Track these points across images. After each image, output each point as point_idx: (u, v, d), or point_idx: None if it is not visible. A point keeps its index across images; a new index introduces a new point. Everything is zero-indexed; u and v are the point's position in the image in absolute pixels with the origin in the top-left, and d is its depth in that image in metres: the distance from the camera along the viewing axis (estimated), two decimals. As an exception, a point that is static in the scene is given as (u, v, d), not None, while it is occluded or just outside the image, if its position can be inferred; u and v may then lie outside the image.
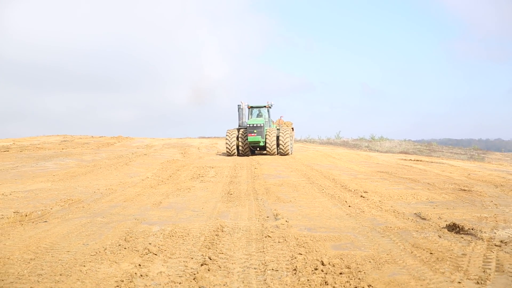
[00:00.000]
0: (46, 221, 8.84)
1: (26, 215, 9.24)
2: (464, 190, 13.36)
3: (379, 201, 11.30)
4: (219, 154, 28.90)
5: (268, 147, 28.41)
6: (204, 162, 23.52)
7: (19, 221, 8.82)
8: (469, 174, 18.38)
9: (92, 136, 49.36)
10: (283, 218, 9.10)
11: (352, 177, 17.12)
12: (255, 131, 28.14)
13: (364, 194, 12.34)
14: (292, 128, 33.21)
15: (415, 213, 9.64)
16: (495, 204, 10.90)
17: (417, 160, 27.59)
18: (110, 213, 9.72)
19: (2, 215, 9.23)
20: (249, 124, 28.53)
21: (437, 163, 25.58)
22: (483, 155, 49.44)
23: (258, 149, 29.71)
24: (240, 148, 29.32)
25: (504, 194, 12.51)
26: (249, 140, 28.43)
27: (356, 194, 12.53)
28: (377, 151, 46.36)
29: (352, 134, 68.81)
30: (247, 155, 29.11)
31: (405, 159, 28.44)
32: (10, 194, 12.06)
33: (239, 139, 29.23)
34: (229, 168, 20.38)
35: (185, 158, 26.86)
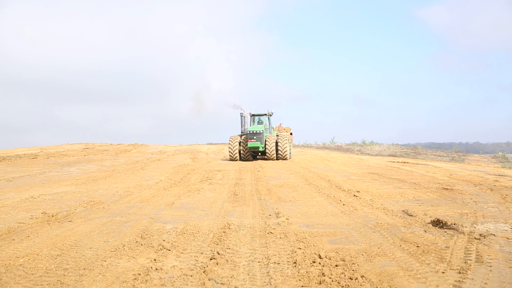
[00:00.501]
0: (70, 221, 8.86)
1: (52, 216, 9.27)
2: (446, 189, 13.36)
3: (370, 199, 11.30)
4: (225, 159, 28.85)
5: (268, 152, 28.06)
6: (212, 166, 23.51)
7: (47, 221, 8.85)
8: (451, 174, 18.37)
9: (111, 144, 49.43)
10: (283, 216, 9.11)
11: (346, 178, 17.12)
12: (254, 137, 27.89)
13: (356, 194, 12.35)
14: (291, 133, 33.08)
15: (403, 210, 9.64)
16: (474, 201, 10.90)
17: (404, 162, 27.58)
18: (128, 213, 9.74)
19: (32, 215, 9.26)
20: (250, 131, 28.29)
21: (422, 164, 25.56)
22: (463, 157, 49.44)
23: (259, 154, 29.21)
24: (242, 153, 28.94)
25: (482, 192, 12.50)
26: (249, 145, 28.14)
27: (349, 193, 12.54)
28: (368, 154, 46.32)
29: (345, 139, 68.64)
30: (249, 160, 28.79)
31: (393, 162, 28.41)
32: (39, 197, 12.09)
33: (241, 145, 28.84)
34: (235, 171, 20.39)
35: (194, 162, 26.85)
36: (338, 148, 56.39)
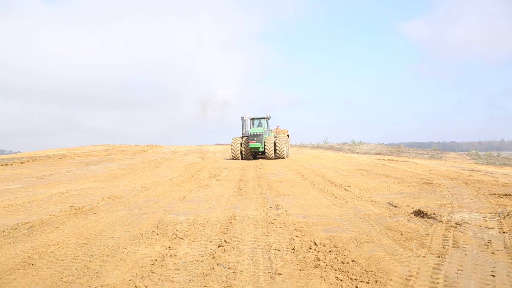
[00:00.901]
0: (95, 213, 8.88)
1: (79, 209, 9.29)
2: (426, 183, 13.36)
3: (359, 193, 11.31)
4: (230, 158, 28.80)
5: (266, 152, 27.75)
6: (219, 164, 23.51)
7: (74, 213, 8.87)
8: (430, 170, 18.36)
9: (129, 145, 49.46)
10: (283, 208, 9.12)
11: (337, 174, 17.11)
12: (255, 138, 27.73)
13: (347, 188, 12.35)
14: (288, 135, 32.78)
15: (388, 202, 9.64)
16: (451, 193, 10.90)
17: (389, 160, 27.56)
18: (145, 206, 9.76)
19: (61, 209, 9.29)
20: (250, 133, 28.11)
21: (405, 161, 25.55)
22: (441, 155, 49.33)
23: (260, 153, 28.66)
24: (243, 153, 28.66)
25: (458, 186, 12.50)
26: (250, 146, 27.91)
27: (341, 187, 12.54)
28: (357, 153, 46.26)
29: (336, 139, 68.49)
30: (250, 159, 28.51)
31: (379, 159, 28.40)
32: (66, 192, 12.11)
33: (243, 146, 28.59)
34: (239, 169, 20.40)
35: (203, 161, 26.85)
36: (331, 148, 56.30)
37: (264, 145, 27.90)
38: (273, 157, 27.87)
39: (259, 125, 29.98)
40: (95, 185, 14.21)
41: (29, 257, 5.76)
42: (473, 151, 60.02)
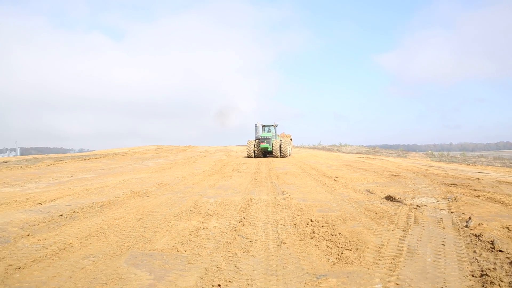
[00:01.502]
0: (148, 196, 8.92)
1: (136, 193, 9.34)
2: (395, 175, 13.25)
3: (345, 182, 11.24)
4: (246, 156, 28.74)
5: (274, 152, 27.63)
6: (240, 161, 23.53)
7: (133, 196, 8.92)
8: (398, 166, 18.21)
9: (173, 146, 49.68)
10: (287, 193, 9.09)
11: (328, 168, 17.04)
12: (265, 141, 27.74)
13: (335, 178, 12.28)
14: (291, 139, 31.95)
15: (366, 189, 9.57)
16: (413, 183, 10.79)
17: (367, 157, 27.43)
18: (185, 191, 9.78)
19: (123, 192, 9.35)
20: (262, 137, 28.15)
21: (379, 159, 25.38)
22: (406, 154, 48.92)
23: (270, 153, 28.35)
24: (255, 152, 28.25)
25: (418, 177, 12.38)
26: (261, 147, 27.79)
27: (331, 178, 12.48)
28: (343, 152, 46.00)
29: (328, 142, 68.53)
30: (260, 157, 27.99)
31: (360, 157, 28.26)
32: (127, 180, 12.19)
33: (255, 146, 28.23)
34: (255, 164, 20.39)
35: (228, 158, 26.86)
36: (323, 148, 56.06)
37: (272, 146, 27.74)
38: (279, 155, 27.56)
39: (269, 131, 29.73)
40: (148, 175, 14.29)
41: (100, 227, 5.81)
42: (430, 151, 59.74)
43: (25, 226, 5.89)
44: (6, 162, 20.90)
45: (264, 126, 30.21)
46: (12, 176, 13.71)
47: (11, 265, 4.12)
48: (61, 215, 6.63)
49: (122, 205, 7.75)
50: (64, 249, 4.72)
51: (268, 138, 28.08)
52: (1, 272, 3.90)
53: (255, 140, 28.76)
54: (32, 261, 4.26)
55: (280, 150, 27.74)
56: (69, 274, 3.87)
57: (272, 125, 29.99)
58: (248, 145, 28.87)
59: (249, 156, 28.33)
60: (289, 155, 28.58)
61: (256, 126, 29.61)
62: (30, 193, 9.55)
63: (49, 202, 8.13)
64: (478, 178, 11.79)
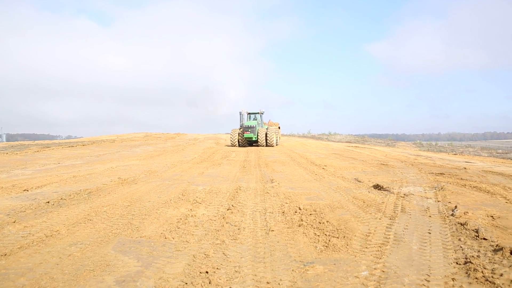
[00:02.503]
0: (136, 183, 8.89)
1: (124, 180, 9.30)
2: (383, 164, 13.36)
3: (333, 171, 11.31)
4: (230, 145, 28.58)
5: (259, 142, 26.18)
6: (229, 149, 23.52)
7: (121, 183, 8.88)
8: (386, 155, 18.37)
9: (162, 133, 49.43)
10: (276, 181, 9.13)
11: (317, 157, 17.11)
12: (249, 130, 26.38)
13: (324, 167, 12.35)
14: (279, 127, 31.34)
15: (354, 178, 9.65)
16: (401, 172, 10.90)
17: (356, 146, 27.58)
18: (173, 178, 9.76)
19: (111, 180, 9.30)
20: (246, 125, 26.76)
21: (367, 148, 25.56)
22: (394, 143, 49.32)
23: (255, 142, 26.73)
24: (239, 141, 26.91)
25: (406, 167, 12.50)
26: (245, 136, 26.42)
27: (319, 167, 12.54)
28: (332, 141, 46.22)
29: (317, 131, 68.67)
30: (245, 147, 26.57)
31: (349, 146, 28.40)
32: (115, 167, 12.13)
33: (239, 135, 26.88)
34: (244, 152, 20.41)
35: (217, 146, 26.83)
36: (313, 137, 56.24)
37: (257, 135, 26.41)
38: (264, 145, 26.31)
39: (254, 119, 28.34)
40: (136, 162, 14.22)
41: (88, 214, 5.79)
42: (418, 141, 60.29)
43: (11, 213, 5.84)
44: (-9, 148, 20.62)
45: (249, 113, 28.97)
46: (-3, 163, 13.54)
47: (-3, 251, 4.10)
48: (48, 202, 6.59)
49: (110, 192, 7.72)
50: (51, 236, 4.70)
51: (253, 127, 26.72)
52: (-14, 259, 3.88)
53: (239, 129, 27.50)
54: (18, 247, 4.24)
55: (266, 140, 26.53)
56: (56, 260, 3.86)
57: (258, 113, 28.71)
58: (231, 134, 27.66)
59: (233, 145, 27.06)
60: (276, 145, 27.38)
61: (240, 114, 28.19)
62: (16, 179, 9.46)
63: (35, 188, 8.07)
64: (465, 168, 11.95)
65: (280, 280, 3.43)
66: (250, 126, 26.70)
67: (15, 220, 5.40)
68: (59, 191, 7.75)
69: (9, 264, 3.75)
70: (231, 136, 27.49)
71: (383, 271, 3.58)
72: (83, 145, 24.00)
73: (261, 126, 28.27)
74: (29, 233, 4.79)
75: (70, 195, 7.22)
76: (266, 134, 26.47)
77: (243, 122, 27.93)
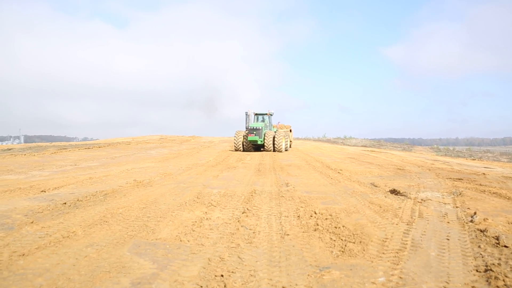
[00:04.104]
0: (151, 186, 8.96)
1: (140, 182, 9.38)
2: (400, 169, 13.22)
3: (349, 175, 11.23)
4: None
5: (266, 146, 23.40)
6: (244, 152, 23.53)
7: (136, 185, 8.96)
8: (403, 159, 18.18)
9: (177, 136, 49.77)
10: (291, 185, 9.10)
11: (333, 160, 17.03)
12: (254, 132, 23.67)
13: (340, 171, 12.28)
14: (290, 130, 29.28)
15: (370, 183, 9.57)
16: (418, 177, 10.77)
17: (372, 151, 27.36)
18: (188, 181, 9.81)
19: (127, 182, 9.39)
20: (251, 127, 23.96)
21: (383, 152, 25.34)
22: (411, 148, 48.81)
23: (262, 147, 24.01)
24: (244, 145, 24.26)
25: (423, 171, 12.35)
26: (249, 139, 23.73)
27: (335, 171, 12.47)
28: (348, 145, 45.92)
29: (332, 134, 68.37)
30: (250, 151, 24.24)
31: (364, 150, 28.19)
32: (131, 170, 12.24)
33: (244, 138, 24.26)
34: (259, 156, 20.40)
35: (232, 149, 26.90)
36: (328, 141, 55.99)
37: (264, 139, 23.74)
38: (272, 150, 23.57)
39: (262, 120, 25.77)
40: (151, 164, 14.33)
41: (104, 216, 5.84)
42: (435, 145, 59.65)
43: (29, 214, 5.93)
44: (10, 150, 21.02)
45: (256, 114, 26.35)
46: (16, 164, 13.79)
47: (15, 251, 4.16)
48: (65, 203, 6.68)
49: (125, 194, 7.79)
50: (68, 237, 4.75)
51: (259, 129, 23.90)
52: (5, 259, 3.94)
53: (245, 131, 24.72)
54: (36, 248, 4.29)
55: (274, 144, 23.73)
56: (72, 261, 3.90)
57: (266, 114, 26.07)
58: (235, 136, 24.74)
59: (236, 149, 24.41)
60: (285, 150, 24.72)
61: (247, 115, 25.35)
62: (33, 180, 9.61)
63: (52, 190, 8.18)
64: (484, 173, 11.75)
65: (296, 284, 3.40)
66: (256, 128, 24.04)
67: (33, 221, 5.48)
68: (76, 192, 7.84)
69: (27, 264, 3.80)
70: (235, 139, 24.82)
71: (401, 278, 3.53)
72: (99, 147, 24.30)
73: (270, 129, 25.77)
74: (46, 234, 4.85)
75: (86, 197, 7.30)
76: (274, 137, 23.87)
77: (249, 123, 25.28)
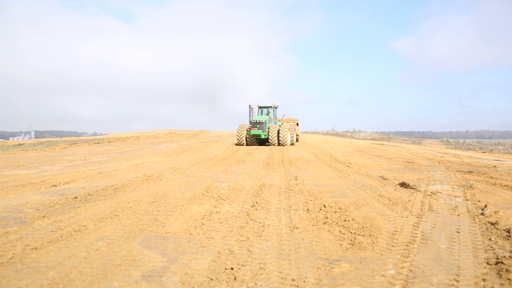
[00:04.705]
0: (161, 180, 9.01)
1: (149, 176, 9.44)
2: (409, 162, 13.15)
3: (358, 168, 11.20)
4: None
5: (270, 140, 22.62)
6: (253, 146, 23.52)
7: (146, 179, 9.01)
8: (412, 152, 18.07)
9: (186, 130, 49.90)
10: (300, 179, 9.10)
11: (342, 154, 16.98)
12: (257, 126, 22.74)
13: (349, 164, 12.24)
14: (297, 123, 28.65)
15: (380, 176, 9.53)
16: (428, 170, 10.71)
17: (381, 144, 27.24)
18: (197, 175, 9.84)
19: (137, 176, 9.45)
20: (254, 120, 23.04)
21: (393, 146, 25.21)
22: (420, 141, 48.49)
23: (266, 141, 23.16)
24: (247, 139, 23.53)
25: (433, 164, 12.27)
26: (252, 133, 22.91)
27: (344, 164, 12.44)
28: (357, 138, 45.74)
29: (341, 128, 68.04)
30: (254, 145, 23.48)
31: (373, 144, 28.06)
32: (140, 164, 12.32)
33: (247, 132, 23.45)
34: (268, 150, 20.39)
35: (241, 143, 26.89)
36: (337, 134, 55.80)
37: (268, 133, 22.90)
38: (276, 144, 22.72)
39: (267, 114, 24.80)
40: (161, 159, 14.40)
41: (114, 210, 5.89)
42: (445, 138, 59.22)
43: (41, 208, 6.00)
44: (21, 145, 21.24)
45: (260, 107, 25.29)
46: (27, 159, 13.94)
47: (28, 245, 4.22)
48: (76, 198, 6.75)
49: (135, 188, 7.84)
50: (79, 230, 4.81)
51: (262, 122, 22.95)
52: (18, 252, 3.99)
53: (249, 125, 23.84)
54: (48, 241, 4.35)
55: (278, 138, 22.89)
56: (84, 255, 3.95)
57: (270, 107, 25.02)
58: (238, 130, 23.97)
59: (239, 144, 23.71)
60: (291, 144, 23.84)
61: (250, 108, 24.36)
62: (45, 175, 9.72)
63: (63, 184, 8.27)
64: (494, 166, 11.65)
65: (306, 277, 3.41)
66: (259, 122, 23.08)
67: (45, 215, 5.54)
68: (86, 187, 7.92)
69: (40, 258, 3.85)
70: (238, 133, 23.95)
71: (411, 270, 3.53)
72: (109, 142, 24.46)
73: (274, 123, 24.80)
74: (58, 228, 4.91)
75: (96, 191, 7.36)
76: (278, 131, 23.04)
77: (253, 116, 24.26)
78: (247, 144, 23.67)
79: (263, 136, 23.08)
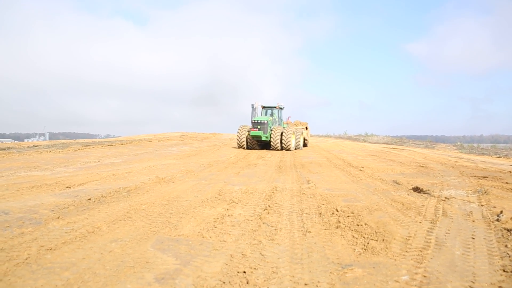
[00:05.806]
0: (173, 182, 9.04)
1: (162, 178, 9.48)
2: (422, 166, 13.03)
3: (371, 173, 11.12)
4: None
5: (272, 143, 20.73)
6: (261, 150, 23.49)
7: (158, 182, 9.05)
8: (425, 157, 17.90)
9: (198, 133, 50.04)
10: (312, 182, 9.07)
11: (354, 158, 16.89)
12: (258, 126, 20.77)
13: (361, 169, 12.17)
14: (306, 127, 27.10)
15: (393, 180, 9.46)
16: (441, 175, 10.60)
17: (394, 148, 27.02)
18: (210, 178, 9.87)
19: (149, 178, 9.49)
20: (254, 121, 21.04)
21: (406, 150, 25.01)
22: (434, 145, 47.96)
23: (270, 145, 21.15)
24: (248, 142, 21.71)
25: (447, 169, 12.14)
26: (251, 134, 20.94)
27: (356, 168, 12.37)
28: (369, 142, 45.43)
29: (353, 131, 67.65)
30: (255, 149, 21.70)
31: (386, 147, 27.85)
32: (153, 166, 12.38)
33: (249, 134, 21.53)
34: (279, 153, 20.35)
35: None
36: (349, 138, 55.45)
37: (270, 135, 21.01)
38: (279, 148, 20.84)
39: (271, 115, 22.72)
40: (173, 161, 14.47)
41: (127, 212, 5.93)
42: (459, 143, 58.41)
43: (55, 209, 6.07)
44: (36, 146, 21.52)
45: (264, 107, 23.13)
46: (41, 160, 14.11)
47: (43, 246, 4.26)
48: (89, 199, 6.81)
49: (148, 190, 7.89)
50: (93, 232, 4.85)
51: (264, 123, 20.88)
52: (34, 253, 4.04)
53: (252, 125, 21.64)
54: (62, 242, 4.40)
55: (281, 142, 20.85)
56: (97, 256, 3.98)
57: (275, 107, 22.87)
58: (238, 132, 22.07)
59: (240, 147, 21.99)
60: (297, 149, 22.16)
61: (253, 107, 22.20)
62: (59, 177, 9.82)
63: (77, 186, 8.35)
64: (510, 171, 11.48)
65: (318, 282, 3.40)
66: (260, 122, 20.98)
67: (59, 216, 5.60)
68: (100, 188, 7.98)
69: (55, 259, 3.90)
70: (238, 134, 22.05)
71: (425, 276, 3.49)
72: (122, 144, 24.64)
73: (279, 124, 22.83)
74: (72, 229, 4.96)
75: (110, 193, 7.42)
76: (282, 134, 20.99)
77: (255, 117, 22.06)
78: (247, 148, 21.99)
79: (264, 138, 21.15)
